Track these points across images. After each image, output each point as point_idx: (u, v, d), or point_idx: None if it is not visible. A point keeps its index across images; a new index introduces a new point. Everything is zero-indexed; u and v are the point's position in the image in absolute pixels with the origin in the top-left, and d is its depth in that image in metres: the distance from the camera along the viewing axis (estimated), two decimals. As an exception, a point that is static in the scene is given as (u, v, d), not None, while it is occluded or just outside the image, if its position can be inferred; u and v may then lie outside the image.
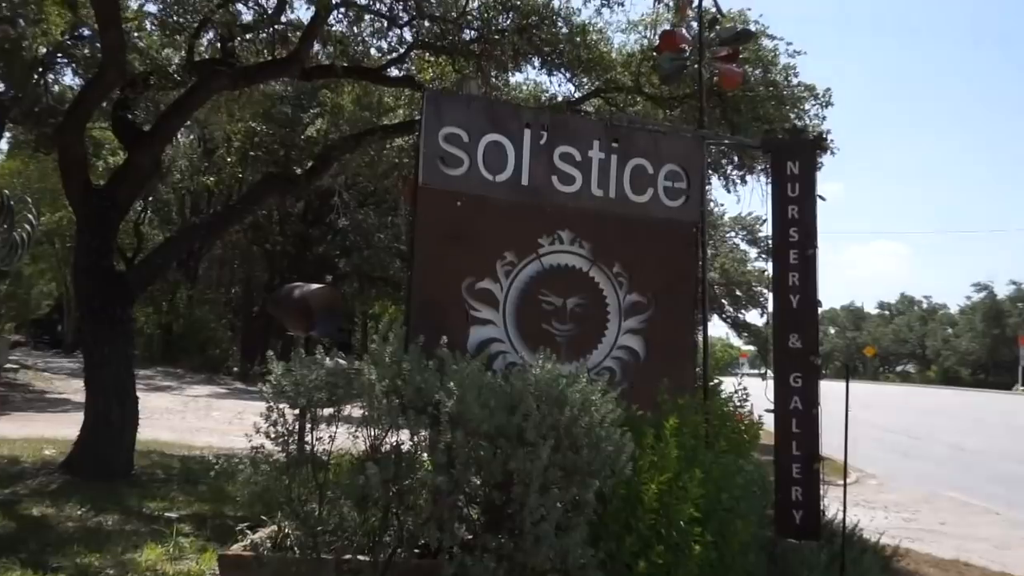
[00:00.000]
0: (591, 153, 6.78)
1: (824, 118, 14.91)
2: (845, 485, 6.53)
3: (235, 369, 32.07)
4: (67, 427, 11.04)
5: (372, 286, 36.46)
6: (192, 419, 18.40)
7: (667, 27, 12.18)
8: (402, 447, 4.88)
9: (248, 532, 5.45)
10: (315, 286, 12.59)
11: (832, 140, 15.28)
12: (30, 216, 21.92)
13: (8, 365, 24.03)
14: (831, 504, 6.89)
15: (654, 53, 11.17)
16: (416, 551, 4.98)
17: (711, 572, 5.29)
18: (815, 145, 7.32)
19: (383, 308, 27.31)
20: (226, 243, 37.84)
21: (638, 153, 6.94)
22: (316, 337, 11.04)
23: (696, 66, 8.25)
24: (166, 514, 7.67)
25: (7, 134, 25.33)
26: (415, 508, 4.81)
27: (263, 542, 5.25)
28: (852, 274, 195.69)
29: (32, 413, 17.02)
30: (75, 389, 19.17)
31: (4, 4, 12.41)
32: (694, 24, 8.37)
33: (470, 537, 4.90)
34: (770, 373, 6.72)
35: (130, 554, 6.43)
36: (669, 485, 5.20)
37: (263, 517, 5.53)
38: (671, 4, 12.20)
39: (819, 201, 6.96)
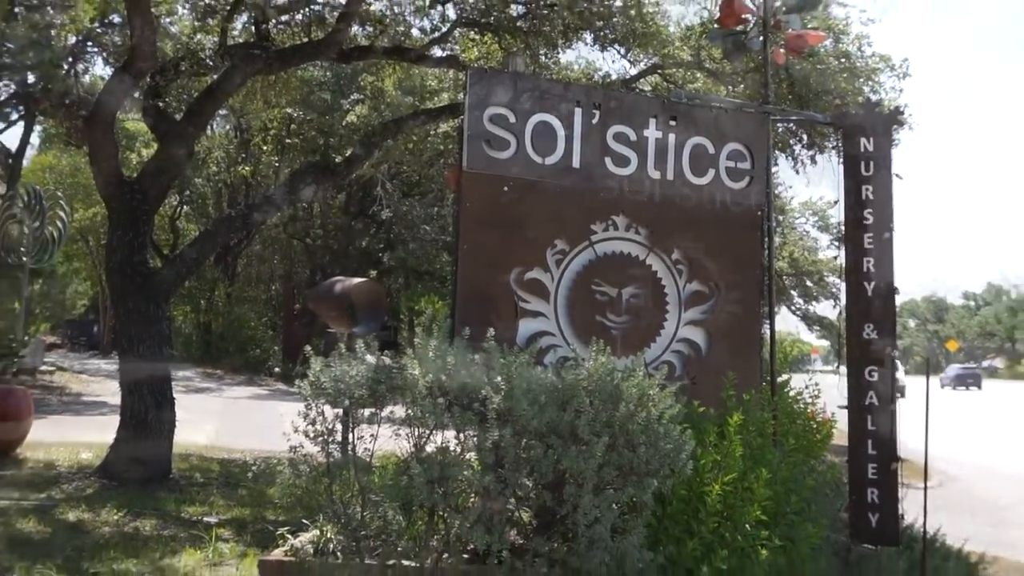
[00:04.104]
0: (647, 132, 6.73)
1: (901, 90, 14.76)
2: (926, 486, 6.42)
3: (276, 370, 32.44)
4: (104, 431, 11.28)
5: (418, 281, 36.64)
6: (232, 422, 18.69)
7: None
8: (448, 446, 4.92)
9: (289, 536, 5.55)
10: (357, 280, 12.76)
11: (910, 114, 15.12)
12: (62, 213, 22.56)
13: (43, 367, 24.64)
14: (910, 509, 6.77)
15: (715, 25, 11.05)
16: (464, 556, 5.02)
17: (779, 579, 5.26)
18: (891, 120, 7.18)
19: (430, 303, 27.40)
20: (265, 238, 38.41)
21: (698, 132, 6.88)
22: (359, 334, 11.18)
23: (754, 37, 8.14)
24: (205, 519, 7.82)
25: (38, 127, 26.09)
26: (462, 510, 4.84)
27: (304, 547, 5.33)
28: (933, 261, 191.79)
29: (68, 416, 17.42)
30: (112, 392, 19.55)
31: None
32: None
33: (521, 541, 4.93)
34: (843, 368, 6.63)
35: (168, 559, 6.57)
36: (734, 486, 5.18)
37: (304, 521, 5.62)
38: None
39: (895, 180, 6.86)
